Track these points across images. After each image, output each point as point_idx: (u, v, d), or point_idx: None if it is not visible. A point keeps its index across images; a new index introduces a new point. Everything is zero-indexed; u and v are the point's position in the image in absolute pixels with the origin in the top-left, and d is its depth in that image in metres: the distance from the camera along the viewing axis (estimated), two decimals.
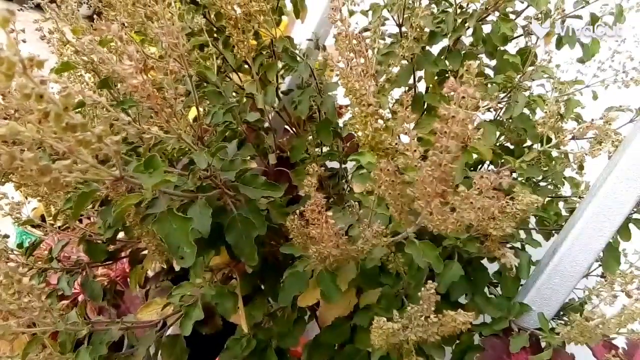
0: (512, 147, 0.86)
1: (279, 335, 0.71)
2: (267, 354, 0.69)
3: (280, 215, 0.64)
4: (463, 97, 0.35)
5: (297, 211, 0.49)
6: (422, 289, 0.46)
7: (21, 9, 0.54)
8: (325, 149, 0.92)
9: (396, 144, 0.49)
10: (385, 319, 0.47)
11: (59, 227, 0.96)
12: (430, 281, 0.46)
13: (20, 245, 0.80)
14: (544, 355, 0.62)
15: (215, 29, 0.86)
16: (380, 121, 0.44)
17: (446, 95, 0.41)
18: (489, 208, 0.40)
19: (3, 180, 0.59)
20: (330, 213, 0.46)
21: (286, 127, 1.02)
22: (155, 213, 0.44)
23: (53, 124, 0.28)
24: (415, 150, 0.45)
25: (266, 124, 0.98)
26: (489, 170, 0.78)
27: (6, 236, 0.81)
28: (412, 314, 0.48)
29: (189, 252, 0.44)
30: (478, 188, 0.41)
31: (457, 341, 0.71)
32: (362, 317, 0.63)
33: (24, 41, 0.58)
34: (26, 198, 0.87)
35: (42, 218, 1.29)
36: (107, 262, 0.89)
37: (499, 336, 0.68)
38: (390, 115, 0.68)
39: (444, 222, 0.42)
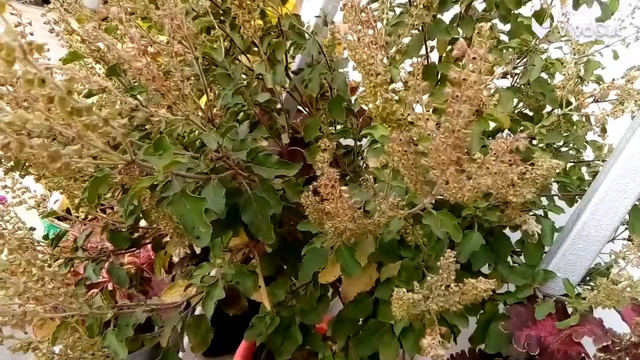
0: (531, 113, 0.84)
1: (302, 312, 0.71)
2: (291, 331, 0.70)
3: (296, 194, 0.64)
4: (474, 59, 0.34)
5: (311, 187, 0.49)
6: (442, 258, 0.46)
7: (25, 2, 0.54)
8: (339, 127, 0.91)
9: (408, 114, 0.48)
10: (405, 289, 0.46)
11: (83, 218, 0.98)
12: (449, 250, 0.46)
13: (46, 237, 0.82)
14: (571, 320, 0.61)
15: (221, 11, 0.86)
16: (391, 92, 0.43)
17: (458, 60, 0.40)
18: (506, 173, 0.39)
19: (22, 173, 0.61)
20: (344, 187, 0.45)
21: (299, 107, 1.02)
22: (169, 195, 0.44)
23: (58, 108, 0.28)
24: (427, 119, 0.44)
25: (278, 106, 0.98)
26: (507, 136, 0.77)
27: (32, 229, 0.83)
28: (432, 283, 0.47)
29: (204, 232, 0.44)
30: (494, 153, 0.40)
31: (482, 311, 0.71)
32: (383, 291, 0.63)
33: (31, 34, 0.59)
34: (49, 191, 0.89)
35: (68, 211, 1.32)
36: (130, 249, 0.91)
37: (524, 304, 0.67)
38: (402, 87, 0.67)
39: (461, 190, 0.42)
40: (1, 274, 0.40)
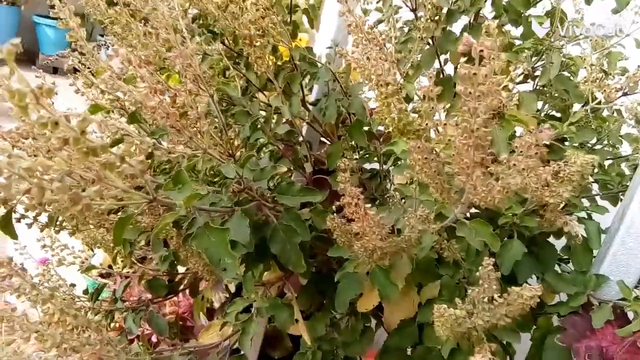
0: (558, 115, 0.81)
1: (344, 344, 0.69)
2: None
3: (324, 221, 0.63)
4: (481, 52, 0.33)
5: (335, 208, 0.48)
6: (480, 267, 0.43)
7: (39, 76, 0.57)
8: (362, 152, 0.91)
9: (426, 124, 0.47)
10: (445, 306, 0.44)
11: (122, 270, 1.00)
12: (486, 257, 0.43)
13: (86, 292, 0.84)
14: (633, 326, 0.56)
15: (235, 54, 0.88)
16: (404, 103, 0.42)
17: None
18: (536, 170, 0.37)
19: (57, 228, 0.62)
20: (368, 205, 0.44)
21: (322, 139, 1.02)
22: (194, 230, 0.44)
23: (74, 149, 0.29)
24: (445, 124, 0.43)
25: (300, 138, 0.98)
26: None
27: (73, 285, 0.85)
28: (474, 297, 0.45)
29: (231, 263, 0.43)
30: (519, 149, 0.38)
31: (535, 327, 0.66)
32: (425, 313, 0.60)
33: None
34: (89, 247, 0.91)
35: (110, 267, 1.35)
36: (169, 296, 0.91)
37: (579, 313, 0.63)
38: (418, 102, 0.66)
39: (490, 193, 0.40)
40: (38, 326, 0.40)
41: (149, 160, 0.43)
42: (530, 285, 0.70)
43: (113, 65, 0.58)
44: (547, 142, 0.35)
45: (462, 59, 0.36)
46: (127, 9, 0.55)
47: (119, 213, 0.41)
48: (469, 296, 0.45)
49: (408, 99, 0.69)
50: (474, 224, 0.47)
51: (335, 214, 0.49)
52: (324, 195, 0.62)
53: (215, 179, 0.63)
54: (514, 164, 0.36)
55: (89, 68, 0.58)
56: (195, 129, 0.44)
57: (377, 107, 0.44)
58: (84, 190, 0.34)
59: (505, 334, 0.52)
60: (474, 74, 0.33)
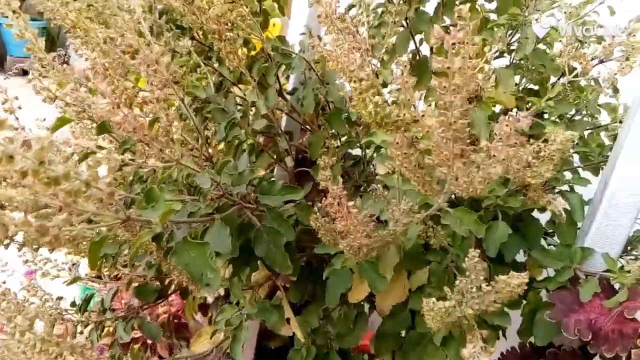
0: (536, 87, 0.80)
1: (338, 336, 0.69)
2: (329, 358, 0.67)
3: (308, 215, 0.62)
4: (453, 44, 0.32)
5: (317, 208, 0.47)
6: (466, 259, 0.43)
7: (7, 78, 0.54)
8: (343, 139, 0.90)
9: (404, 114, 0.46)
10: (434, 299, 0.44)
11: (110, 276, 0.98)
12: (472, 249, 0.43)
13: (73, 304, 0.82)
14: (619, 297, 0.57)
15: (207, 48, 0.86)
16: (379, 96, 0.41)
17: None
18: (515, 157, 0.37)
19: (35, 246, 0.60)
20: (351, 203, 0.43)
21: (303, 127, 1.01)
22: (172, 245, 0.43)
23: (34, 181, 0.27)
24: (423, 116, 0.42)
25: (280, 129, 0.97)
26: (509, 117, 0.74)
27: (60, 298, 0.83)
28: (462, 287, 0.44)
29: (213, 277, 0.43)
30: (499, 138, 0.38)
31: (524, 302, 0.67)
32: (416, 301, 0.60)
33: (19, 107, 0.59)
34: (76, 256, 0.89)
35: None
36: (159, 301, 0.90)
37: (567, 287, 0.63)
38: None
39: (472, 184, 0.39)
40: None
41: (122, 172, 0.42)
42: (518, 262, 0.72)
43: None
44: (526, 129, 0.34)
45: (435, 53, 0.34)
46: (85, 14, 0.53)
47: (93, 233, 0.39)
48: (457, 286, 0.45)
49: (385, 85, 0.68)
50: (458, 212, 0.47)
51: (318, 213, 0.48)
52: (306, 190, 0.61)
53: (194, 186, 0.61)
54: (494, 155, 0.36)
55: (51, 79, 0.56)
56: (166, 138, 0.42)
57: (353, 102, 0.43)
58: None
59: (495, 318, 0.52)
60: (448, 67, 0.32)
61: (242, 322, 0.58)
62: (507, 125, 0.36)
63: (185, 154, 0.46)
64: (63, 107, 0.55)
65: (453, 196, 0.53)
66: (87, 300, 0.82)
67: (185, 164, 0.45)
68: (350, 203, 0.43)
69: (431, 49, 0.81)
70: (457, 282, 0.45)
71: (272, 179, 0.59)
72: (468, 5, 0.61)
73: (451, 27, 0.35)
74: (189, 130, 0.55)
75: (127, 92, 0.51)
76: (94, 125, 0.64)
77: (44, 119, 0.71)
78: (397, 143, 0.40)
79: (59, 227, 0.31)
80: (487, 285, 0.43)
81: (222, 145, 0.73)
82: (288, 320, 0.65)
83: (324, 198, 0.44)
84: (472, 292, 0.44)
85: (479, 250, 0.43)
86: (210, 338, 0.63)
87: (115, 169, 0.37)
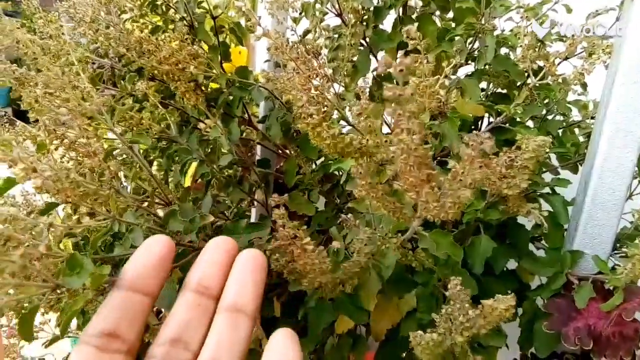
0: (505, 91, 0.79)
1: None
2: None
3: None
4: (400, 71, 0.30)
5: (269, 249, 0.45)
6: (449, 287, 0.41)
7: None
8: (320, 161, 0.88)
9: (366, 140, 0.44)
10: (421, 332, 0.41)
11: None
12: (453, 277, 0.41)
13: None
14: (615, 300, 0.55)
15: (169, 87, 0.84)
16: (334, 127, 0.39)
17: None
18: (484, 179, 0.35)
19: None
20: (306, 240, 0.41)
21: (278, 154, 0.99)
22: None
23: None
24: (386, 141, 0.40)
25: (256, 158, 0.94)
26: (487, 128, 0.72)
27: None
28: (449, 314, 0.42)
29: None
30: (464, 164, 0.36)
31: (520, 313, 0.65)
32: (407, 327, 0.57)
33: None
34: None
35: None
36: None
37: (561, 294, 0.61)
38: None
39: (442, 208, 0.37)
40: None
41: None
42: (509, 269, 0.70)
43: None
44: (490, 152, 0.33)
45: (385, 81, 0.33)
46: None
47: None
48: (443, 314, 0.43)
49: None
50: (434, 235, 0.45)
51: (277, 254, 0.45)
52: (268, 226, 0.58)
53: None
54: (460, 180, 0.34)
55: None
56: (107, 192, 0.40)
57: (310, 136, 0.41)
58: None
59: (489, 339, 0.50)
60: (400, 95, 0.30)
61: None
62: (469, 148, 0.34)
63: (132, 205, 0.44)
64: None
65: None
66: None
67: (122, 219, 0.42)
68: (306, 240, 0.41)
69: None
70: (442, 309, 0.43)
71: (247, 216, 0.57)
72: (422, 20, 0.60)
73: (383, 55, 0.33)
74: (144, 177, 0.52)
75: (74, 145, 0.48)
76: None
77: None
78: (360, 173, 0.38)
79: None
80: (473, 312, 0.40)
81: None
82: None
83: (273, 241, 0.42)
84: (459, 319, 0.41)
85: (460, 278, 0.41)
86: None
87: (41, 233, 0.35)
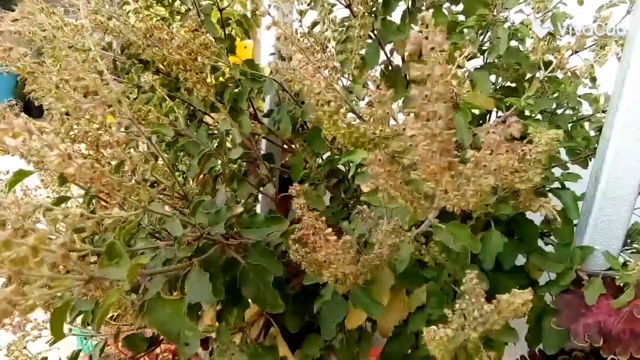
0: (514, 84, 0.79)
1: None
2: None
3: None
4: (432, 49, 0.29)
5: (291, 241, 0.44)
6: (464, 281, 0.40)
7: None
8: (326, 156, 0.87)
9: (380, 130, 0.43)
10: (435, 327, 0.41)
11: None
12: (468, 271, 0.40)
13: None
14: (625, 296, 0.55)
15: (174, 79, 0.83)
16: (350, 114, 0.39)
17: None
18: (508, 165, 0.34)
19: None
20: (328, 230, 0.41)
21: (283, 148, 0.98)
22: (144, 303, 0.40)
23: None
24: (404, 129, 0.39)
25: (261, 153, 0.94)
26: (495, 121, 0.72)
27: (44, 358, 0.79)
28: (463, 310, 0.42)
29: (192, 335, 0.39)
30: (488, 147, 0.35)
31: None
32: (417, 323, 0.57)
33: None
34: None
35: None
36: (150, 349, 0.85)
37: (571, 290, 0.61)
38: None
39: (463, 197, 0.37)
40: None
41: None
42: (518, 265, 0.69)
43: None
44: (518, 136, 0.32)
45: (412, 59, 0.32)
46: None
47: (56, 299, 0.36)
48: (457, 309, 0.42)
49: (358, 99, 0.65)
50: (451, 227, 0.44)
51: (297, 245, 0.45)
52: (291, 217, 0.58)
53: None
54: (485, 165, 0.33)
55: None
56: (132, 183, 0.39)
57: (324, 126, 0.41)
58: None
59: (501, 335, 0.49)
60: (428, 74, 0.30)
61: None
62: (495, 134, 0.34)
63: (155, 197, 0.43)
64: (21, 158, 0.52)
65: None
66: (74, 358, 0.77)
67: (154, 209, 0.42)
68: (328, 230, 0.40)
69: (402, 58, 0.80)
70: (457, 304, 0.42)
71: (254, 211, 0.56)
72: (432, 10, 0.59)
73: (413, 32, 0.32)
74: (159, 170, 0.52)
75: (88, 135, 0.47)
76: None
77: (7, 172, 0.67)
78: (379, 160, 0.38)
79: (8, 301, 0.28)
80: (488, 306, 0.40)
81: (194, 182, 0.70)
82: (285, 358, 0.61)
83: (297, 230, 0.41)
84: (473, 315, 0.41)
85: (476, 271, 0.40)
86: None
87: (74, 225, 0.34)
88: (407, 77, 0.75)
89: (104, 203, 0.50)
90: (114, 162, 0.44)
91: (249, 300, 0.61)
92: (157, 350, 1.17)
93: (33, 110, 0.79)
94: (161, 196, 0.50)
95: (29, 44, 0.54)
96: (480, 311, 0.40)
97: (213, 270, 0.48)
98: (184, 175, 0.72)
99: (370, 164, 0.41)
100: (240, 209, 0.50)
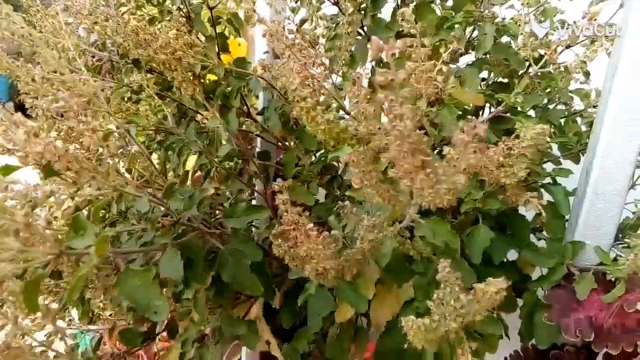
0: (506, 80, 0.78)
1: None
2: None
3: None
4: (393, 54, 0.29)
5: (271, 236, 0.45)
6: (437, 271, 0.40)
7: None
8: (319, 154, 0.87)
9: (363, 127, 0.43)
10: (413, 317, 0.41)
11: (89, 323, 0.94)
12: (441, 260, 0.40)
13: (57, 355, 0.78)
14: (616, 291, 0.54)
15: (166, 79, 0.83)
16: (331, 113, 0.39)
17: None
18: (478, 164, 0.34)
19: None
20: (310, 225, 0.41)
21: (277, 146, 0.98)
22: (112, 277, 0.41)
23: None
24: (379, 127, 0.40)
25: (257, 150, 0.94)
26: (486, 117, 0.71)
27: (44, 351, 0.79)
28: (441, 299, 0.42)
29: (160, 305, 0.40)
30: (458, 148, 0.35)
31: (521, 304, 0.64)
32: (405, 317, 0.57)
33: None
34: None
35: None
36: (146, 343, 0.86)
37: (562, 285, 0.60)
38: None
39: (437, 195, 0.37)
40: None
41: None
42: (510, 261, 0.69)
43: None
44: (484, 136, 0.32)
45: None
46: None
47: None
48: (435, 299, 0.42)
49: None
50: (432, 223, 0.44)
51: (279, 239, 0.45)
52: (268, 210, 0.58)
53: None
54: (454, 165, 0.33)
55: None
56: (107, 168, 0.39)
57: (304, 122, 0.41)
58: None
59: (486, 326, 0.49)
60: (392, 79, 0.30)
61: (208, 339, 0.55)
62: (464, 133, 0.34)
63: (130, 183, 0.44)
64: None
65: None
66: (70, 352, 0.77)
67: (124, 190, 0.42)
68: (310, 225, 0.41)
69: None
70: (434, 295, 0.42)
71: (234, 202, 0.57)
72: (421, 8, 0.59)
73: (374, 38, 0.32)
74: (140, 161, 0.52)
75: (72, 131, 0.48)
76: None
77: None
78: (353, 161, 0.38)
79: None
80: (466, 295, 0.40)
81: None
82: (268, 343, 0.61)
83: (278, 226, 0.42)
84: (451, 305, 0.41)
85: (449, 260, 0.40)
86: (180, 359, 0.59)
87: (43, 201, 0.34)
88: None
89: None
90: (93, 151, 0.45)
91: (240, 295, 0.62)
92: (154, 348, 1.18)
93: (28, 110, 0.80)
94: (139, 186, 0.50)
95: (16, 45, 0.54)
96: (458, 301, 0.40)
97: (193, 256, 0.48)
98: (175, 171, 0.72)
99: (349, 163, 0.41)
100: (211, 191, 0.51)
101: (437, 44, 0.63)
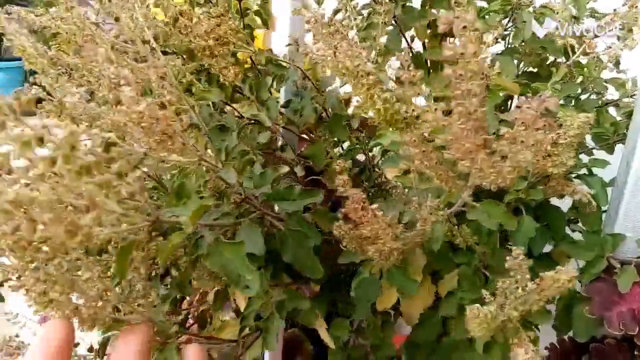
0: (535, 70, 0.78)
1: (373, 347, 0.65)
2: None
3: (329, 221, 0.59)
4: (464, 27, 0.29)
5: (339, 215, 0.45)
6: (508, 258, 0.40)
7: None
8: (346, 145, 0.87)
9: (413, 110, 0.43)
10: (478, 305, 0.41)
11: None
12: (514, 248, 0.40)
13: (91, 349, 0.78)
14: None
15: (195, 71, 0.83)
16: (387, 92, 0.39)
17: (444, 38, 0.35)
18: (544, 141, 0.33)
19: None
20: (375, 205, 0.41)
21: (300, 138, 0.98)
22: (204, 249, 0.40)
23: (64, 169, 0.25)
24: (436, 109, 0.39)
25: (280, 142, 0.94)
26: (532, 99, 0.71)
27: (76, 345, 0.79)
28: (505, 288, 0.41)
29: (252, 278, 0.40)
30: (522, 122, 0.35)
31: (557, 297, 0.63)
32: (448, 307, 0.57)
33: None
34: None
35: None
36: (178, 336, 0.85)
37: (602, 278, 0.60)
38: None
39: (500, 174, 0.36)
40: None
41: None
42: (543, 253, 0.68)
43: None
44: (555, 110, 0.31)
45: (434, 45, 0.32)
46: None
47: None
48: (499, 288, 0.42)
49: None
50: (485, 205, 0.44)
51: (340, 220, 0.45)
52: (321, 193, 0.58)
53: (216, 191, 0.58)
54: (522, 141, 0.33)
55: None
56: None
57: (360, 101, 0.40)
58: None
59: (538, 317, 0.49)
60: (461, 53, 0.29)
61: (273, 312, 0.54)
62: (529, 108, 0.33)
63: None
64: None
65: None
66: (104, 344, 0.77)
67: (209, 161, 0.42)
68: (375, 206, 0.40)
69: (423, 44, 0.79)
70: (499, 283, 0.42)
71: (289, 185, 0.57)
72: None
73: (444, 12, 0.32)
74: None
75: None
76: None
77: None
78: (414, 140, 0.37)
79: (89, 225, 0.28)
80: (532, 284, 0.39)
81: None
82: None
83: (344, 204, 0.41)
84: (516, 293, 0.40)
85: (522, 248, 0.40)
86: (239, 333, 0.58)
87: (137, 163, 0.34)
88: (428, 62, 0.75)
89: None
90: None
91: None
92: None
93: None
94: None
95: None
96: (523, 290, 0.39)
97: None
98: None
99: (406, 145, 0.41)
100: (286, 168, 0.50)
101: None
